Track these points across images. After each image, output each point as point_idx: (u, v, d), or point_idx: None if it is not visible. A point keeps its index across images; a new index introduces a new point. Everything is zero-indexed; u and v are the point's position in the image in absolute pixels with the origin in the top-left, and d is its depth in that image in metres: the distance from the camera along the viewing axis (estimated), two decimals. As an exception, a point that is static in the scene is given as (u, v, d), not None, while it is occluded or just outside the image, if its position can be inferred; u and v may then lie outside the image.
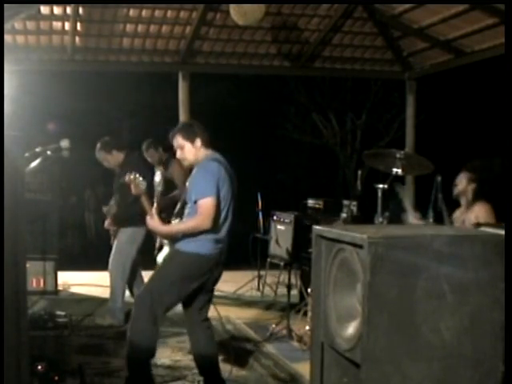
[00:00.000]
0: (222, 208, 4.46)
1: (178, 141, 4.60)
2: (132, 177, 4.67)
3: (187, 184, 4.67)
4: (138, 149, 7.48)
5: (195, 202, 4.40)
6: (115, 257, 6.60)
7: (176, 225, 4.58)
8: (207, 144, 4.64)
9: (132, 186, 4.65)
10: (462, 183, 5.52)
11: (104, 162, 6.68)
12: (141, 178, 4.67)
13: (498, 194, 5.45)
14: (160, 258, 4.62)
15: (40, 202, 7.62)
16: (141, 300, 4.49)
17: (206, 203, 4.35)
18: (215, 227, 4.42)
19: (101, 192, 15.85)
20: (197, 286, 4.49)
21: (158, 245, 6.36)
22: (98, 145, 6.61)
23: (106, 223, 6.75)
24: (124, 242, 6.55)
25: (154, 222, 4.58)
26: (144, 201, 4.65)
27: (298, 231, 7.49)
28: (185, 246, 4.46)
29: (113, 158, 6.59)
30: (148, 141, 7.68)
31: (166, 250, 4.62)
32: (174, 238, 4.55)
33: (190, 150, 4.58)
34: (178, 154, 4.64)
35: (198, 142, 4.57)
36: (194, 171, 4.61)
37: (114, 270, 6.62)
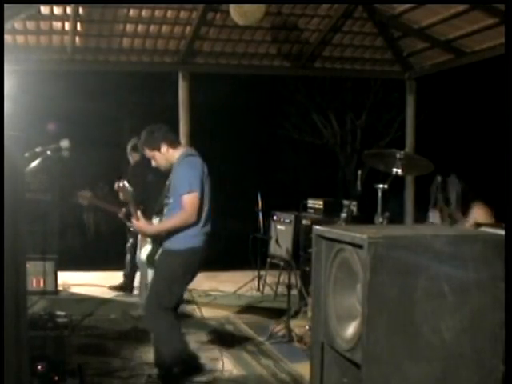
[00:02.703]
0: (205, 202, 4.56)
1: (147, 153, 4.76)
2: (121, 185, 4.83)
3: (170, 180, 4.70)
4: None
5: (180, 196, 4.47)
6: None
7: (162, 223, 4.62)
8: (174, 144, 4.75)
9: (120, 194, 4.75)
10: (446, 206, 5.58)
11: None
12: (127, 185, 4.83)
13: (488, 194, 5.51)
14: (143, 255, 4.63)
15: (40, 201, 7.61)
16: (149, 307, 4.58)
17: (191, 198, 4.45)
18: (199, 221, 4.52)
19: (101, 192, 15.83)
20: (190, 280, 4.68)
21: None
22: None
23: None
24: None
25: (141, 223, 4.66)
26: (131, 206, 4.76)
27: (298, 231, 7.49)
28: (178, 243, 4.53)
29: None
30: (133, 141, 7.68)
31: (148, 248, 4.65)
32: (160, 237, 4.61)
33: (160, 157, 4.72)
34: (153, 163, 4.78)
35: (164, 147, 4.69)
36: (176, 167, 4.65)
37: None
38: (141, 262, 4.72)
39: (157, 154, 4.70)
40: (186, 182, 4.49)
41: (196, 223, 4.50)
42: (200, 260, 4.63)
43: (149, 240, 4.69)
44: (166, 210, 4.65)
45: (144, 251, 4.70)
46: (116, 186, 4.90)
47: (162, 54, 9.20)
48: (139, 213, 4.68)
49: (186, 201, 4.45)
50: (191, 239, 4.53)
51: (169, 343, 4.58)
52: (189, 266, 4.57)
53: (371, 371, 2.90)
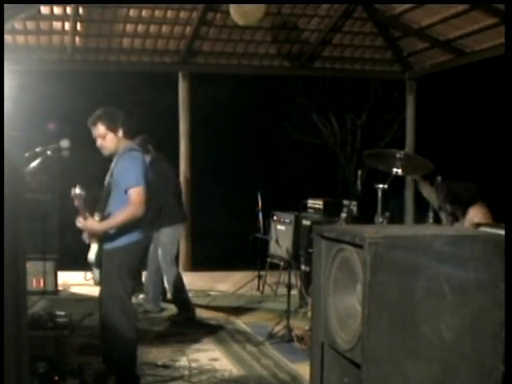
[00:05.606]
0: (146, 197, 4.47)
1: (100, 130, 4.52)
2: (77, 192, 4.50)
3: (112, 173, 4.54)
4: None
5: (125, 191, 4.39)
6: (164, 259, 6.68)
7: (112, 219, 4.43)
8: (127, 135, 4.61)
9: (76, 201, 4.54)
10: (447, 207, 5.60)
11: None
12: (78, 191, 4.48)
13: (489, 195, 5.52)
14: (92, 256, 4.52)
15: (40, 201, 7.60)
16: (111, 309, 4.47)
17: (139, 192, 4.37)
18: (144, 215, 4.44)
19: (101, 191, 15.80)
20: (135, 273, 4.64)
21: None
22: None
23: None
24: (167, 243, 6.70)
25: (90, 222, 4.46)
26: (80, 210, 4.52)
27: (298, 231, 7.48)
28: (118, 241, 4.46)
29: None
30: None
31: (94, 248, 4.53)
32: (104, 236, 4.48)
33: (112, 139, 4.53)
34: (99, 142, 4.56)
35: (121, 132, 4.55)
36: (118, 160, 4.52)
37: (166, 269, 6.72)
38: (91, 263, 4.56)
39: (110, 135, 4.52)
40: (132, 176, 4.40)
41: (141, 218, 4.42)
42: (142, 253, 4.66)
43: (94, 240, 4.51)
44: (112, 204, 4.48)
45: (92, 252, 4.52)
46: (72, 192, 4.59)
47: (162, 54, 9.21)
48: (87, 213, 4.50)
49: (134, 195, 4.37)
50: (131, 235, 4.45)
51: (124, 346, 4.49)
52: (132, 261, 4.51)
53: (371, 371, 2.90)
